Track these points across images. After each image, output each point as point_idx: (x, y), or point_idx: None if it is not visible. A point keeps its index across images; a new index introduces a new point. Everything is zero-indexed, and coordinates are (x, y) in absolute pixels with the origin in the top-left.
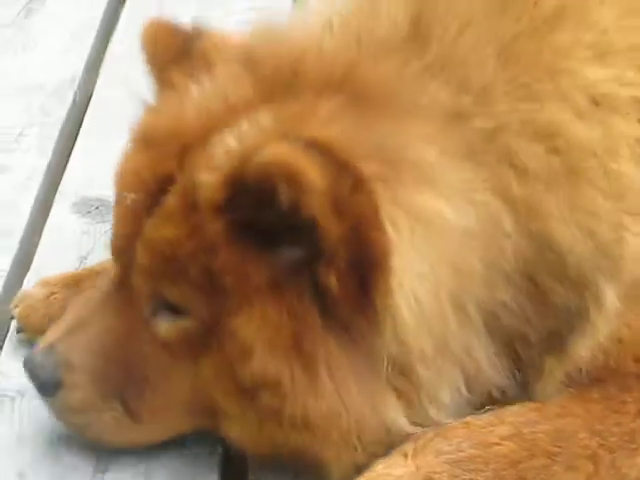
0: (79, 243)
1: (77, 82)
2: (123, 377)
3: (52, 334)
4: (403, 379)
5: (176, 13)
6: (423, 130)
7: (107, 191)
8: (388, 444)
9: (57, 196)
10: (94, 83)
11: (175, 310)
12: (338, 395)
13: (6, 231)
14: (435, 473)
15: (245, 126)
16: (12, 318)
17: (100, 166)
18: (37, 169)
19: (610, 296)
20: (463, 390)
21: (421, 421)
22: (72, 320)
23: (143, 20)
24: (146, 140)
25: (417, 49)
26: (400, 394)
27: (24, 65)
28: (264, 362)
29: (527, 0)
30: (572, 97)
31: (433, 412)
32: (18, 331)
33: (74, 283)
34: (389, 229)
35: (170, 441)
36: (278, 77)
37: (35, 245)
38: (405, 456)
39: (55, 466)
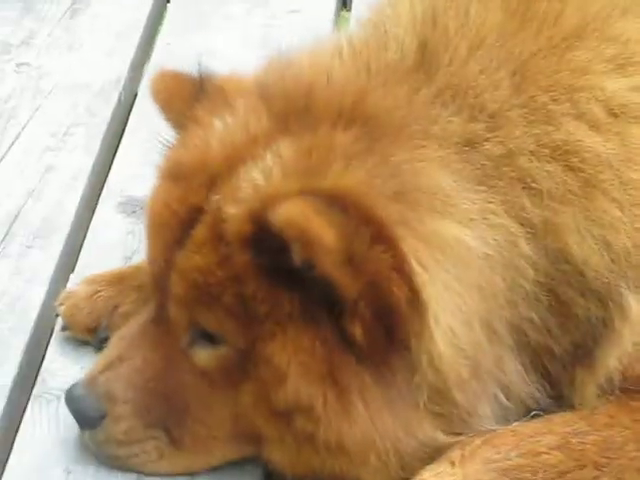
0: (124, 243)
1: (122, 82)
2: (165, 407)
3: (93, 368)
4: (440, 403)
5: (219, 11)
6: (438, 157)
7: None
8: (430, 459)
9: (102, 196)
10: (139, 83)
11: (212, 339)
12: (372, 423)
13: (52, 230)
14: None
15: (268, 159)
16: (57, 316)
17: (145, 166)
18: (83, 168)
19: (635, 305)
20: (502, 400)
21: (460, 431)
22: (112, 354)
23: (188, 21)
24: (174, 174)
25: (425, 76)
26: (437, 416)
27: (70, 65)
28: (297, 387)
29: (546, 18)
30: (589, 112)
31: (474, 423)
32: (63, 329)
33: (118, 281)
34: (415, 267)
35: None
36: (292, 110)
37: (80, 244)
38: (452, 464)
39: (101, 464)
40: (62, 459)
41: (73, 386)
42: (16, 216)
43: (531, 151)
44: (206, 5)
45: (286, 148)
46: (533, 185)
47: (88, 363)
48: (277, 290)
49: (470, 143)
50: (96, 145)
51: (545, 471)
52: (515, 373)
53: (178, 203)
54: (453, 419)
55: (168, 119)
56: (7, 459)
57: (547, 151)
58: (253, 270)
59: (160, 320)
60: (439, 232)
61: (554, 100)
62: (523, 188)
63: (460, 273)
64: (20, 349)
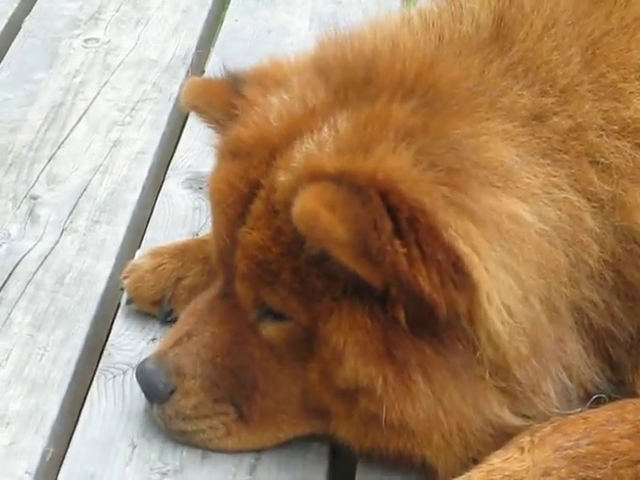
0: (191, 218)
1: (190, 58)
2: (234, 382)
3: (162, 344)
4: (504, 379)
5: None
6: (502, 130)
7: None
8: (494, 443)
9: (169, 171)
10: (206, 59)
11: (279, 315)
12: (436, 399)
13: (118, 205)
14: (553, 469)
15: (325, 131)
16: (122, 290)
17: (212, 142)
18: (150, 144)
19: None
20: (565, 379)
21: (527, 412)
22: (181, 329)
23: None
24: (234, 151)
25: (500, 49)
26: (502, 391)
27: (137, 41)
28: (355, 367)
29: (618, 0)
30: None
31: (539, 403)
32: (128, 302)
33: (182, 253)
34: (463, 248)
35: None
36: (351, 81)
37: (147, 220)
38: (522, 450)
39: (166, 438)
40: (127, 433)
41: (144, 361)
42: (83, 191)
43: (600, 126)
44: None
45: (343, 121)
46: (601, 160)
47: (154, 337)
48: (329, 264)
49: (539, 117)
50: (163, 121)
51: (615, 459)
52: (576, 354)
53: (239, 179)
54: (517, 396)
55: (210, 121)
56: (72, 433)
57: (616, 127)
58: (303, 240)
59: (227, 295)
60: (494, 209)
61: (624, 78)
62: (591, 163)
63: (516, 250)
64: (87, 323)
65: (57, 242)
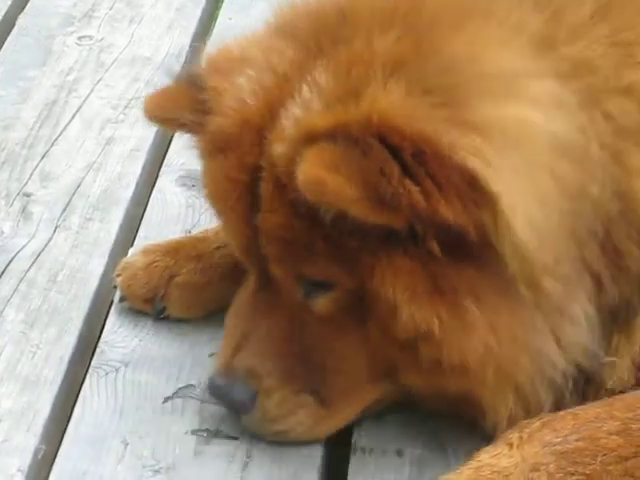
0: (184, 216)
1: (184, 56)
2: (304, 367)
3: (222, 357)
4: (534, 291)
5: None
6: (503, 39)
7: None
8: (537, 388)
9: (163, 169)
10: (201, 57)
11: (325, 286)
12: (489, 325)
13: (112, 203)
14: (541, 464)
15: (305, 90)
16: (115, 288)
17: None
18: (143, 142)
19: None
20: (590, 308)
21: (566, 345)
22: (235, 335)
23: None
24: (221, 145)
25: None
26: (541, 310)
27: (131, 38)
28: (411, 315)
29: None
30: None
31: (569, 328)
32: (121, 300)
33: (175, 251)
34: (473, 163)
35: None
36: (323, 28)
37: (140, 217)
38: (510, 446)
39: (159, 435)
40: (120, 431)
41: (212, 379)
42: (76, 188)
43: (606, 76)
44: None
45: (322, 73)
46: (608, 109)
47: (147, 335)
48: (353, 222)
49: (548, 41)
50: None
51: (604, 455)
52: (589, 290)
53: (236, 171)
54: (550, 314)
55: (183, 127)
56: (65, 430)
57: (623, 86)
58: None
59: (267, 285)
60: (500, 117)
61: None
62: (596, 104)
63: (529, 154)
64: (79, 321)
65: (50, 239)
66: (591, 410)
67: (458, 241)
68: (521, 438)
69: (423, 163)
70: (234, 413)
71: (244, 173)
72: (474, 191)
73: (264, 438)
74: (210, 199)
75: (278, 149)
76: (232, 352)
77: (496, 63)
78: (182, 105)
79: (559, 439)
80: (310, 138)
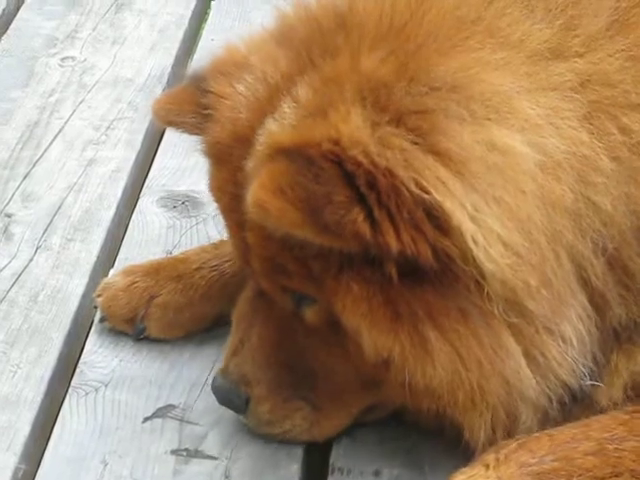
0: (165, 237)
1: (166, 77)
2: (294, 377)
3: (225, 357)
4: (517, 314)
5: (263, 8)
6: (499, 59)
7: (194, 187)
8: (513, 409)
9: (144, 190)
10: (182, 79)
11: (309, 298)
12: (453, 351)
13: (93, 223)
14: None
15: (285, 105)
16: (96, 308)
17: (187, 161)
18: (125, 163)
19: None
20: (584, 327)
21: (550, 365)
22: (235, 337)
23: (232, 17)
24: (217, 154)
25: None
26: (516, 332)
27: (114, 60)
28: (372, 341)
29: None
30: None
31: (555, 348)
32: (101, 320)
33: (155, 271)
34: (434, 196)
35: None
36: (318, 34)
37: (121, 238)
38: (487, 467)
39: (138, 455)
40: (99, 450)
41: (215, 377)
42: (58, 209)
43: (625, 91)
44: (251, 1)
45: (303, 87)
46: (624, 122)
47: (127, 355)
48: (316, 245)
49: (557, 52)
50: (138, 140)
51: (580, 475)
52: (582, 311)
53: (230, 184)
54: (533, 338)
55: (189, 130)
56: (44, 449)
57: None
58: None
59: (262, 293)
60: (478, 142)
61: None
62: (611, 119)
63: (506, 182)
64: (60, 341)
65: (31, 260)
66: (567, 431)
67: (416, 266)
68: (497, 459)
69: (377, 192)
70: (234, 411)
71: (235, 187)
72: (432, 220)
73: (267, 438)
74: (214, 201)
75: (249, 164)
76: (230, 355)
77: (485, 86)
78: (186, 108)
79: (535, 460)
80: (273, 154)
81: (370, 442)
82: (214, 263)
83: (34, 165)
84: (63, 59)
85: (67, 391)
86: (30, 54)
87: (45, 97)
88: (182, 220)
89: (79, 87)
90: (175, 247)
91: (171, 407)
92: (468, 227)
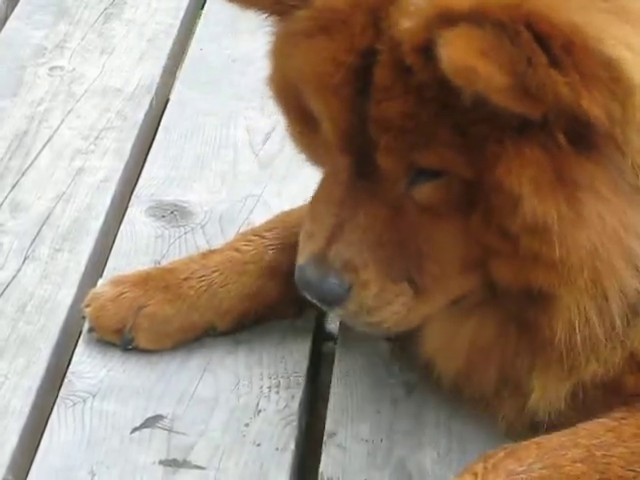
0: (153, 247)
1: (154, 87)
2: (402, 256)
3: (311, 246)
4: None
5: (253, 18)
6: None
7: (182, 196)
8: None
9: (133, 199)
10: (171, 88)
11: (433, 174)
12: (601, 219)
13: (81, 233)
14: None
15: None
16: (84, 318)
17: (175, 171)
18: (113, 172)
19: None
20: None
21: None
22: (327, 223)
23: (221, 27)
24: (326, 24)
25: None
26: None
27: (102, 69)
28: (533, 207)
29: None
30: None
31: None
32: (89, 330)
33: (143, 281)
34: (618, 54)
35: (243, 438)
36: None
37: (109, 248)
38: (475, 475)
39: (126, 465)
40: (87, 461)
41: (303, 269)
42: (46, 219)
43: None
44: (240, 11)
45: None
46: None
47: (115, 365)
48: (488, 109)
49: None
50: (127, 149)
51: None
52: None
53: (344, 53)
54: None
55: (269, 6)
56: (32, 460)
57: None
58: (458, 94)
59: (365, 174)
60: None
61: None
62: None
63: None
64: (48, 352)
65: (19, 270)
66: (555, 439)
67: (582, 132)
68: (485, 468)
69: (571, 54)
70: (327, 306)
71: (355, 56)
72: (614, 82)
73: (354, 327)
74: (306, 81)
75: (405, 24)
76: (325, 242)
77: None
78: None
79: (523, 468)
80: (449, 18)
81: (360, 452)
82: (202, 273)
83: (23, 175)
84: (52, 68)
85: (55, 402)
86: (19, 63)
87: (34, 106)
88: (170, 230)
89: (68, 96)
90: (163, 257)
91: (159, 417)
92: None
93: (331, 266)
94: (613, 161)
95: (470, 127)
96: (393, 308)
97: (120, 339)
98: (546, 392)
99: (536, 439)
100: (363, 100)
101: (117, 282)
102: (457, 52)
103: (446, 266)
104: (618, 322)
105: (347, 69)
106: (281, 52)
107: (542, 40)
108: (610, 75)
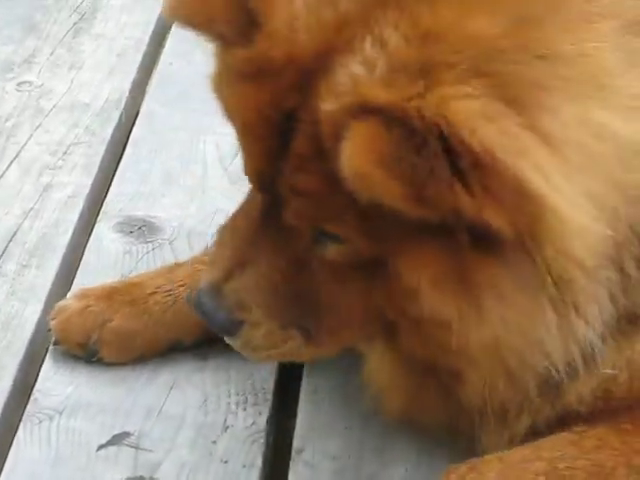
0: (121, 263)
1: (123, 102)
2: (297, 307)
3: (211, 274)
4: (564, 288)
5: None
6: (600, 36)
7: (150, 212)
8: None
9: (100, 215)
10: (140, 103)
11: (339, 239)
12: (503, 318)
13: (49, 249)
14: None
15: (368, 45)
16: (49, 331)
17: (144, 187)
18: (81, 188)
19: None
20: (609, 311)
21: (567, 342)
22: (231, 257)
23: (190, 41)
24: (258, 71)
25: None
26: (555, 306)
27: (71, 84)
28: (431, 303)
29: None
30: None
31: (581, 328)
32: (55, 343)
33: (108, 295)
34: (530, 177)
35: (210, 455)
36: None
37: (77, 264)
38: None
39: None
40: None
41: (199, 294)
42: (13, 235)
43: None
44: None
45: (392, 29)
46: None
47: (82, 381)
48: (397, 211)
49: None
50: (95, 165)
51: None
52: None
53: (269, 106)
54: (566, 316)
55: (215, 37)
56: None
57: None
58: None
59: (272, 221)
60: (581, 122)
61: None
62: None
63: (596, 166)
64: (14, 368)
65: None
66: (518, 452)
67: (488, 237)
68: None
69: (478, 172)
70: (217, 332)
71: (277, 112)
72: (523, 199)
73: (249, 358)
74: (235, 123)
75: (327, 107)
76: (224, 276)
77: (597, 62)
78: (222, 9)
79: None
80: (364, 109)
81: (328, 469)
82: (168, 288)
83: None
84: (20, 84)
85: (21, 419)
86: None
87: (1, 122)
88: (138, 245)
89: (36, 112)
90: (131, 272)
91: (126, 434)
92: (560, 205)
93: (225, 300)
94: (520, 264)
95: (374, 219)
96: (279, 350)
97: (85, 352)
98: (490, 437)
99: (499, 453)
100: (283, 155)
101: (83, 295)
102: (356, 155)
103: (344, 321)
104: (531, 393)
105: (271, 125)
106: (217, 82)
107: (451, 153)
108: (520, 194)
